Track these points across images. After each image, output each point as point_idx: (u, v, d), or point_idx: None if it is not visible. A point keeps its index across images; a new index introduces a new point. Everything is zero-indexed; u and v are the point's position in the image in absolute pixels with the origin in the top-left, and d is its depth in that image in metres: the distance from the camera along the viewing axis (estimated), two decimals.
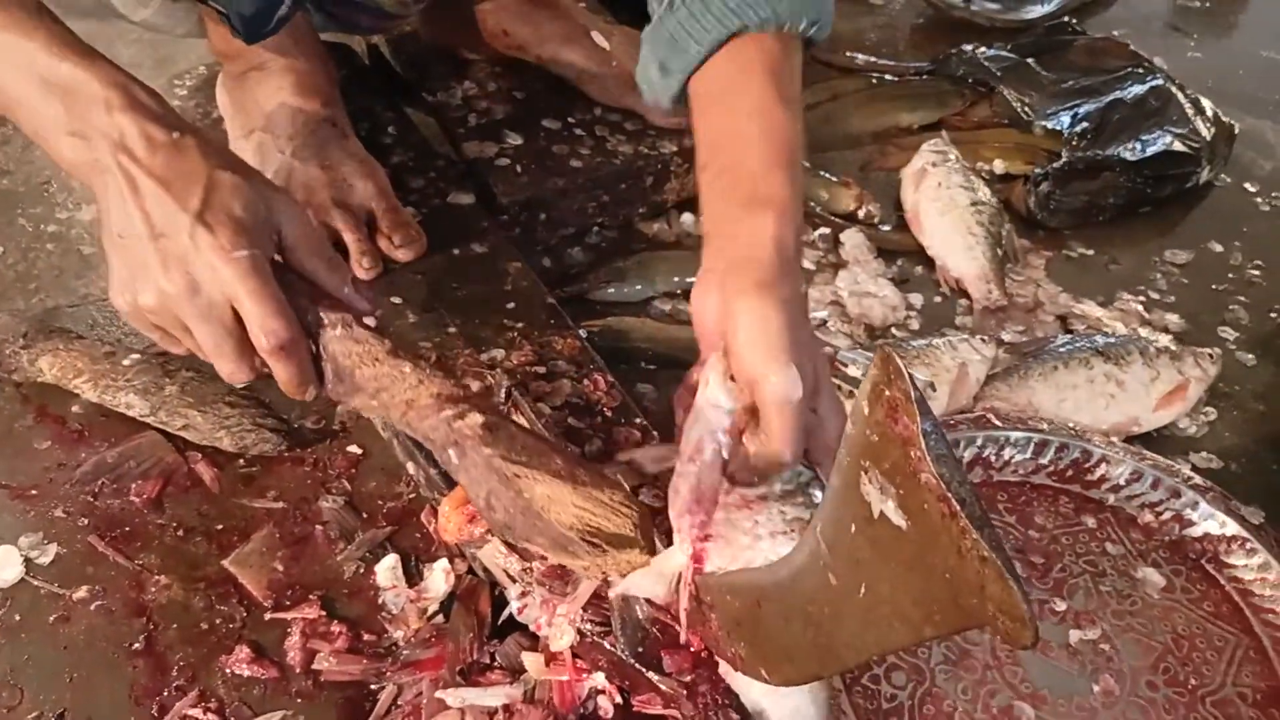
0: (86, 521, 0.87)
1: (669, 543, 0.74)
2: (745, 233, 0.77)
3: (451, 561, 0.85)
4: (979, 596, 0.44)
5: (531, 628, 0.79)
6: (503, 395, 0.92)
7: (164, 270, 0.72)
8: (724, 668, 0.74)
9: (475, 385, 0.94)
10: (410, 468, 0.91)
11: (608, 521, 0.67)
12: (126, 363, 0.94)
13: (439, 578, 0.83)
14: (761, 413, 0.72)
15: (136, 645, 0.79)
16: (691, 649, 0.76)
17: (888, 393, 0.45)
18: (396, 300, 1.03)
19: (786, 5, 0.85)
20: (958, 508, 0.43)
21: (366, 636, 0.81)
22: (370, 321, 0.98)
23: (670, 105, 0.92)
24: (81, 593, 0.82)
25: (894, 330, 1.16)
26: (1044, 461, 0.99)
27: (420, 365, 0.77)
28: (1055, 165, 1.33)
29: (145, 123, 0.72)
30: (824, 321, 1.15)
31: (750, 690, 0.73)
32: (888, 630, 0.52)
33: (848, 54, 1.61)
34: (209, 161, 0.74)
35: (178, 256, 0.72)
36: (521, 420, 0.91)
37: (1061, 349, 1.09)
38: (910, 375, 0.44)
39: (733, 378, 0.72)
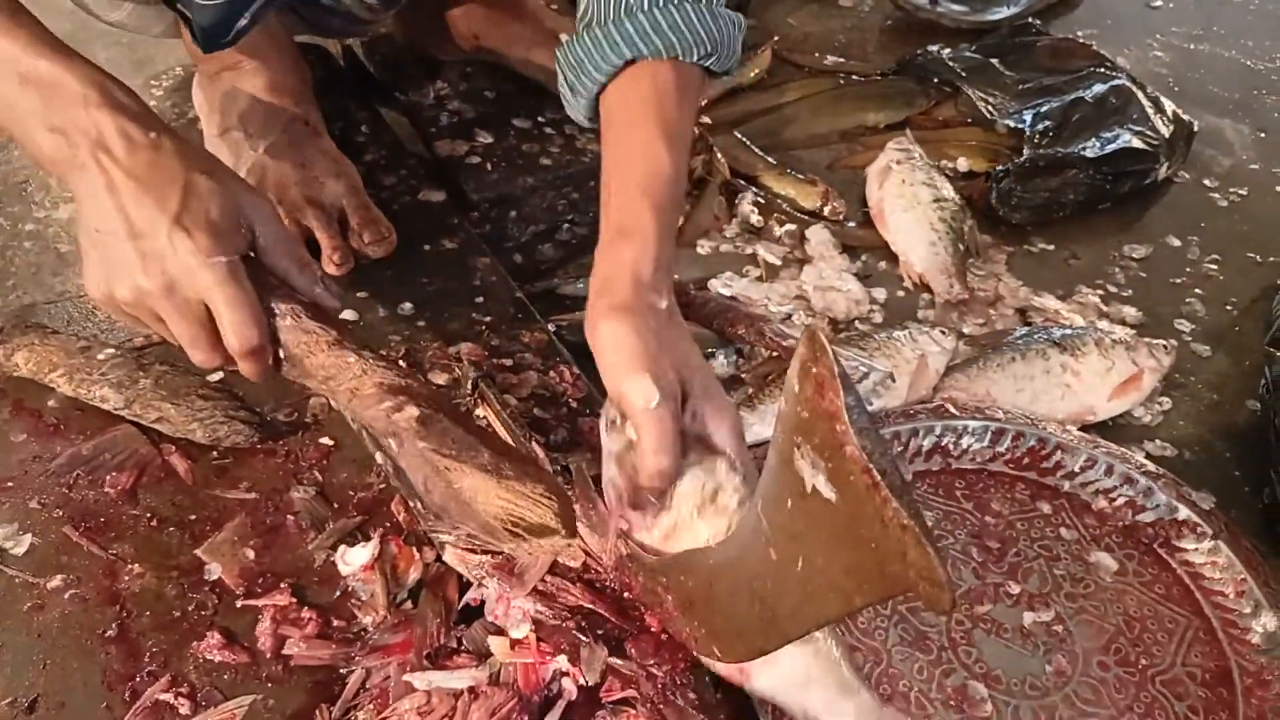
0: (61, 512, 0.88)
1: None
2: (607, 261, 0.81)
3: (420, 550, 0.87)
4: (901, 563, 0.46)
5: (490, 618, 0.81)
6: (469, 387, 0.94)
7: (142, 268, 0.74)
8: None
9: (443, 378, 0.96)
10: (379, 458, 0.93)
11: (529, 512, 0.70)
12: (101, 357, 0.96)
13: (359, 554, 0.85)
14: (632, 424, 0.75)
15: (109, 632, 0.81)
16: (652, 631, 0.78)
17: (814, 370, 0.47)
18: (366, 294, 1.05)
19: (682, 36, 0.87)
20: (879, 478, 0.45)
21: (336, 623, 0.83)
22: (350, 314, 1.01)
23: (586, 123, 0.95)
24: (56, 582, 0.84)
25: (857, 323, 1.18)
26: (1001, 449, 1.01)
27: (364, 356, 0.79)
28: (1017, 162, 1.35)
29: (123, 121, 0.74)
30: (789, 315, 1.17)
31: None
32: (824, 601, 0.54)
33: (816, 54, 1.63)
34: (186, 163, 0.76)
35: (156, 256, 0.74)
36: (489, 412, 0.93)
37: (1019, 341, 1.11)
38: (834, 351, 0.46)
39: (613, 421, 0.76)
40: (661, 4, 0.87)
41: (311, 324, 0.79)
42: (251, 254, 0.80)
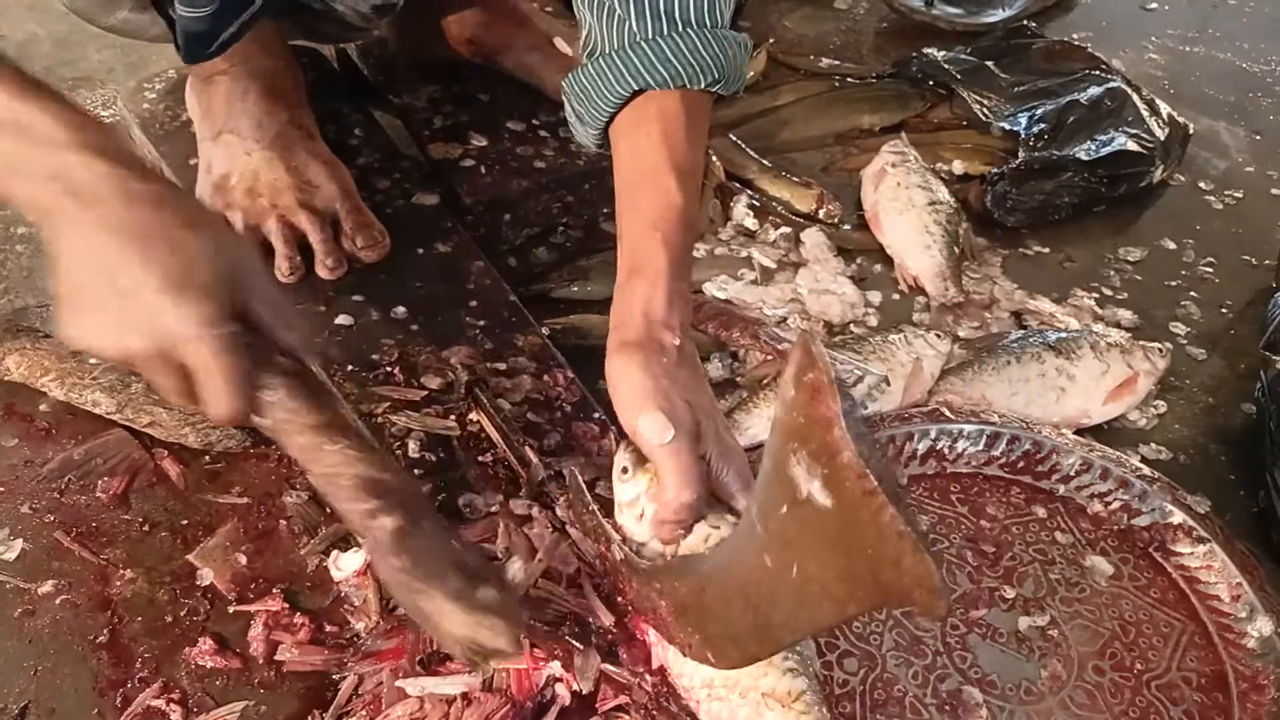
0: (53, 518, 0.88)
1: None
2: (621, 300, 0.81)
3: None
4: (896, 570, 0.46)
5: None
6: (463, 391, 0.94)
7: (128, 329, 0.69)
8: (673, 666, 0.76)
9: (436, 382, 0.96)
10: None
11: (489, 639, 0.71)
12: (93, 361, 0.96)
13: (351, 559, 0.85)
14: (651, 461, 0.75)
15: (101, 638, 0.81)
16: (641, 638, 0.78)
17: (809, 376, 0.47)
18: (359, 299, 1.04)
19: (688, 65, 0.86)
20: (875, 485, 0.45)
21: (329, 628, 0.83)
22: (344, 319, 1.00)
23: (595, 149, 0.95)
24: (47, 587, 0.83)
25: (853, 327, 1.18)
26: (996, 453, 1.01)
27: (340, 443, 0.75)
28: (1012, 165, 1.35)
29: (100, 164, 0.68)
30: (784, 319, 1.17)
31: None
32: (817, 608, 0.54)
33: (812, 57, 1.63)
34: (170, 216, 0.69)
35: (145, 317, 0.68)
36: (482, 417, 0.93)
37: (1014, 344, 1.11)
38: (828, 357, 0.46)
39: (624, 469, 0.77)
40: (665, 32, 0.86)
41: (294, 404, 0.75)
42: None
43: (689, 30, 0.87)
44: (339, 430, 0.76)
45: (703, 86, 0.88)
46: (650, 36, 0.86)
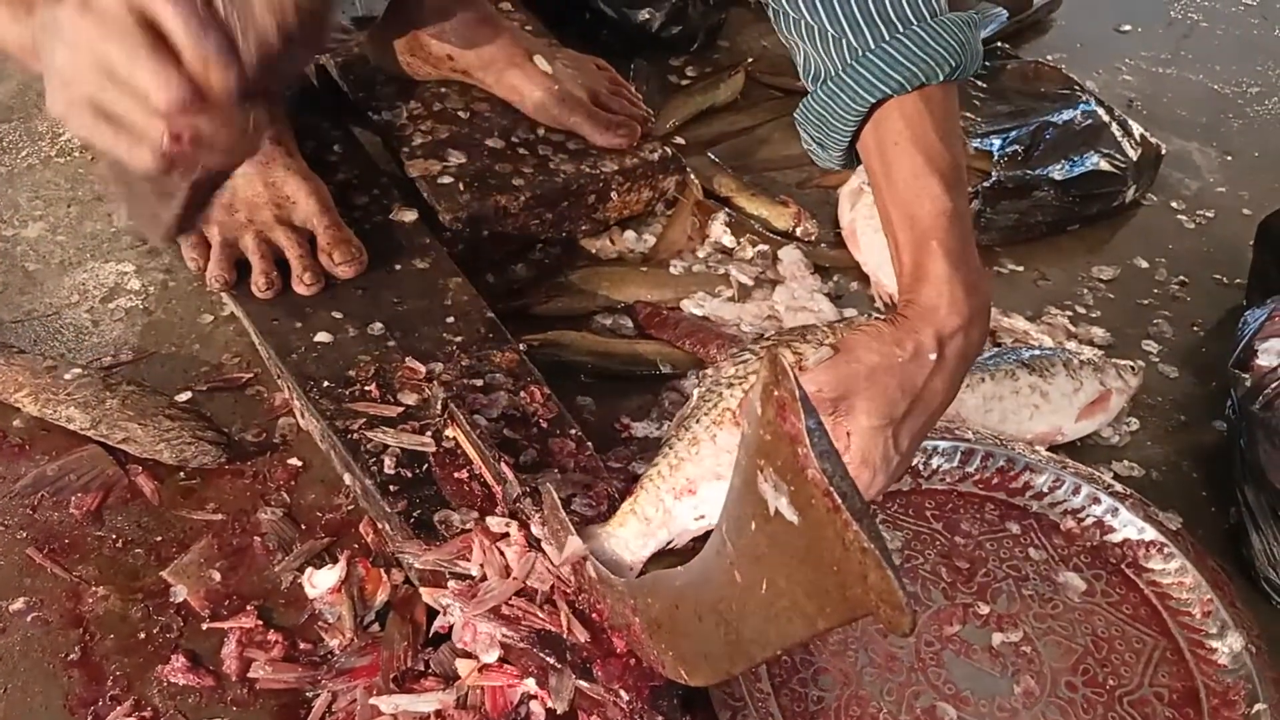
0: (25, 534, 0.88)
1: None
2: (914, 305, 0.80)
3: (388, 572, 0.86)
4: (862, 586, 0.46)
5: (459, 644, 0.80)
6: (439, 407, 0.94)
7: (81, 19, 0.63)
8: None
9: (413, 398, 0.96)
10: (348, 479, 0.93)
11: None
12: (68, 377, 0.96)
13: (326, 576, 0.85)
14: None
15: (72, 656, 0.80)
16: (619, 654, 0.78)
17: (776, 392, 0.47)
18: (337, 315, 1.04)
19: (919, 64, 0.83)
20: (840, 501, 0.45)
21: (303, 645, 0.83)
22: (324, 336, 1.00)
23: (840, 168, 0.95)
24: (18, 604, 0.83)
25: None
26: (970, 470, 1.02)
27: None
28: (986, 184, 1.36)
29: None
30: (760, 335, 1.17)
31: None
32: (787, 624, 0.54)
33: (790, 77, 1.64)
34: None
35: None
36: (458, 433, 0.93)
37: (988, 361, 1.11)
38: (795, 374, 0.46)
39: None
40: (887, 38, 0.83)
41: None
42: None
43: (910, 29, 0.84)
44: None
45: (941, 79, 0.85)
46: (872, 47, 0.84)
